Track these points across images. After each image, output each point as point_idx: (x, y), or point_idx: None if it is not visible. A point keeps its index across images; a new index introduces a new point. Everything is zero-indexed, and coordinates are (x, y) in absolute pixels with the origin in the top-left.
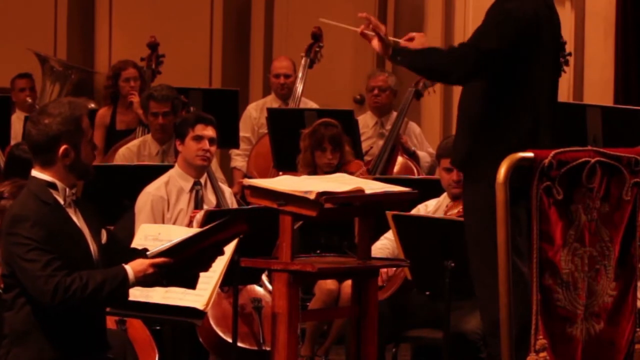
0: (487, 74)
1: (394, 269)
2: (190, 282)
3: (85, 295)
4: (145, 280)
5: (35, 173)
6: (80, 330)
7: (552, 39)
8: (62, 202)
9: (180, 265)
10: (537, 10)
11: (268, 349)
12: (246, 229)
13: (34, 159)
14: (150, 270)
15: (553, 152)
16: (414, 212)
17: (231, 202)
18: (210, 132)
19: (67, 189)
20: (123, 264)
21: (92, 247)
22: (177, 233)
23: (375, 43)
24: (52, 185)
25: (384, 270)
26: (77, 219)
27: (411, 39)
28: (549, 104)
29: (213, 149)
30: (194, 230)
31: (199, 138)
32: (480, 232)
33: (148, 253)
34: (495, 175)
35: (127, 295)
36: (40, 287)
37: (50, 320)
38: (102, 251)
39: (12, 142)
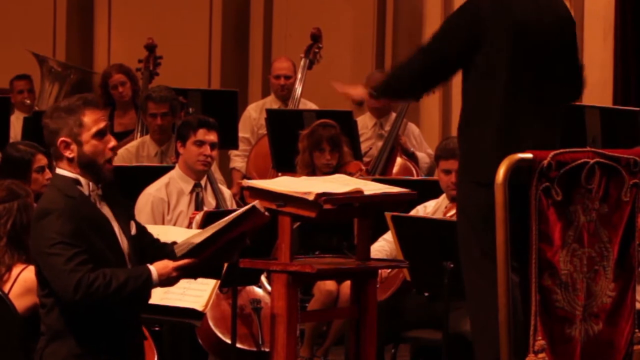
0: (445, 74)
1: (388, 271)
2: (216, 273)
3: (108, 293)
4: (169, 283)
5: (59, 170)
6: (117, 325)
7: (537, 38)
8: (87, 194)
9: (205, 261)
10: (506, 5)
11: (267, 350)
12: (268, 218)
13: (51, 154)
14: (174, 274)
15: (552, 153)
16: (412, 213)
17: (231, 204)
18: (212, 137)
19: (91, 184)
20: (148, 265)
21: (121, 238)
22: (176, 234)
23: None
24: (77, 182)
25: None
26: (105, 212)
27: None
28: (534, 103)
29: (214, 153)
30: (195, 231)
31: (200, 143)
32: (467, 233)
33: (176, 248)
34: (477, 174)
35: (149, 296)
36: (63, 281)
37: (87, 316)
38: (132, 243)
39: None
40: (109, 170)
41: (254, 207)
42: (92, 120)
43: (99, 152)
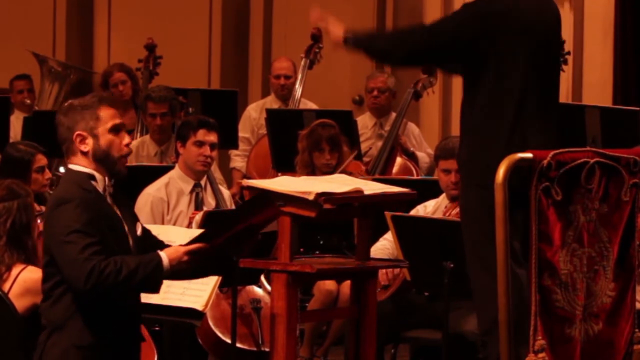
0: (435, 61)
1: (390, 277)
2: (224, 268)
3: (119, 280)
4: (180, 268)
5: (72, 165)
6: (117, 318)
7: (540, 39)
8: (101, 191)
9: (215, 250)
10: (515, 6)
11: (267, 349)
12: (279, 213)
13: (63, 152)
14: (185, 258)
15: (552, 153)
16: (412, 212)
17: (230, 204)
18: (212, 137)
19: (106, 179)
20: (158, 251)
21: (130, 238)
22: (175, 234)
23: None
24: (91, 177)
25: (389, 269)
26: (116, 210)
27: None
28: (538, 106)
29: (214, 154)
30: (196, 230)
31: (200, 143)
32: (476, 233)
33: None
34: (486, 179)
35: (160, 282)
36: (76, 270)
37: (88, 308)
38: (137, 244)
39: None
40: (123, 164)
41: (266, 194)
42: (108, 115)
43: (115, 146)
